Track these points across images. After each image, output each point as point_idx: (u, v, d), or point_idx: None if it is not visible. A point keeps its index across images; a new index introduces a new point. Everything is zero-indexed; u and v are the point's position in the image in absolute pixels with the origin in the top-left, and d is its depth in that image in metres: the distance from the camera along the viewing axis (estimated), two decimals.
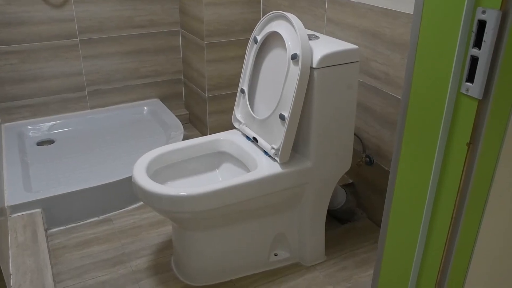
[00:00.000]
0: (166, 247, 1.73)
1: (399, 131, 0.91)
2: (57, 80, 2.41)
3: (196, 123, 2.65)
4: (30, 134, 2.36)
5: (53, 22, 2.29)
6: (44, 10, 2.25)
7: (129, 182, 1.90)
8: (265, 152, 1.51)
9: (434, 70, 0.80)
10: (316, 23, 1.95)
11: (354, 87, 1.45)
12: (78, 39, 2.38)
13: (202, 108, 2.47)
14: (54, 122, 2.43)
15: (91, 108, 2.54)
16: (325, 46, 1.39)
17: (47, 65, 2.36)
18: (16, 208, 1.74)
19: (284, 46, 1.43)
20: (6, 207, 1.72)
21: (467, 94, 0.74)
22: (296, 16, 2.01)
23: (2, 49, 2.23)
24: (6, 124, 2.37)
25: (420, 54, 0.82)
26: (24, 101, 2.38)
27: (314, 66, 1.35)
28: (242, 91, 1.61)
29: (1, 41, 2.22)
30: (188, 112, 2.73)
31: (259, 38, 1.52)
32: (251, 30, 2.34)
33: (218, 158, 1.64)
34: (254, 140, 1.55)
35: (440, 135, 0.81)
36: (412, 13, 1.48)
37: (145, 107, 2.61)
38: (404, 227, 0.95)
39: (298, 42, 1.35)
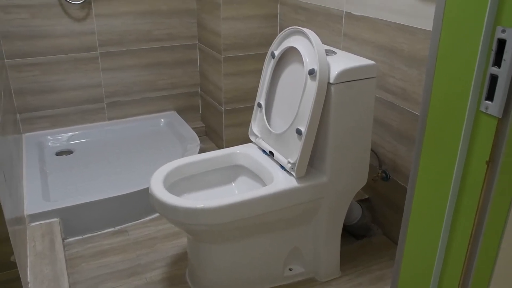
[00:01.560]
0: (180, 259, 1.74)
1: (417, 147, 0.91)
2: (76, 92, 2.45)
3: (212, 136, 2.67)
4: (49, 144, 2.40)
5: (74, 35, 2.34)
6: (66, 23, 2.31)
7: (145, 193, 1.92)
8: (281, 166, 1.52)
9: (453, 88, 0.80)
10: (333, 38, 1.96)
11: (371, 103, 1.46)
12: (98, 51, 2.42)
13: (219, 121, 2.49)
14: (73, 133, 2.47)
15: (109, 119, 2.58)
16: (342, 61, 1.40)
17: (68, 77, 2.41)
18: (34, 217, 1.77)
19: (301, 61, 1.44)
20: (25, 216, 1.75)
21: (487, 112, 0.74)
22: (313, 31, 2.03)
23: (25, 61, 2.28)
24: (26, 134, 2.41)
25: (439, 71, 0.83)
26: (45, 111, 2.42)
27: (331, 81, 1.36)
28: (259, 105, 1.62)
29: (25, 53, 2.27)
30: (204, 125, 2.76)
31: (276, 53, 1.53)
32: (268, 44, 2.37)
33: (234, 171, 1.65)
34: (271, 154, 1.56)
35: (459, 153, 0.81)
36: (430, 29, 1.49)
37: (162, 119, 2.64)
38: (422, 245, 0.94)
39: (315, 58, 1.36)
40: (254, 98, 2.47)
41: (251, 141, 1.69)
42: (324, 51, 1.36)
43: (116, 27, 2.42)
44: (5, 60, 2.24)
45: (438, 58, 0.82)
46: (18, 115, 2.37)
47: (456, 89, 0.79)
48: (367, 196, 1.92)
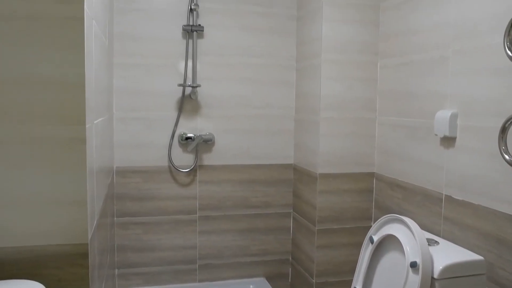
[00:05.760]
0: None
1: None
2: (172, 252, 2.55)
3: None
4: None
5: (178, 198, 2.52)
6: (172, 188, 2.51)
7: None
8: None
9: None
10: (432, 219, 1.91)
11: None
12: (198, 215, 2.56)
13: None
14: None
15: (200, 281, 2.60)
16: (446, 254, 1.35)
17: (166, 237, 2.53)
18: None
19: (401, 250, 1.41)
20: None
21: None
22: (410, 209, 2.01)
23: (132, 220, 2.47)
24: None
25: None
26: (140, 268, 2.52)
27: (435, 276, 1.29)
28: None
29: (132, 213, 2.46)
30: None
31: (375, 238, 1.52)
32: (362, 218, 2.36)
33: None
34: None
35: None
36: None
37: (251, 286, 2.61)
38: None
39: (417, 250, 1.32)
40: (346, 272, 2.39)
41: None
42: (426, 243, 1.32)
43: (216, 193, 2.58)
44: (115, 218, 2.44)
45: None
46: (116, 270, 2.49)
47: None
48: None
